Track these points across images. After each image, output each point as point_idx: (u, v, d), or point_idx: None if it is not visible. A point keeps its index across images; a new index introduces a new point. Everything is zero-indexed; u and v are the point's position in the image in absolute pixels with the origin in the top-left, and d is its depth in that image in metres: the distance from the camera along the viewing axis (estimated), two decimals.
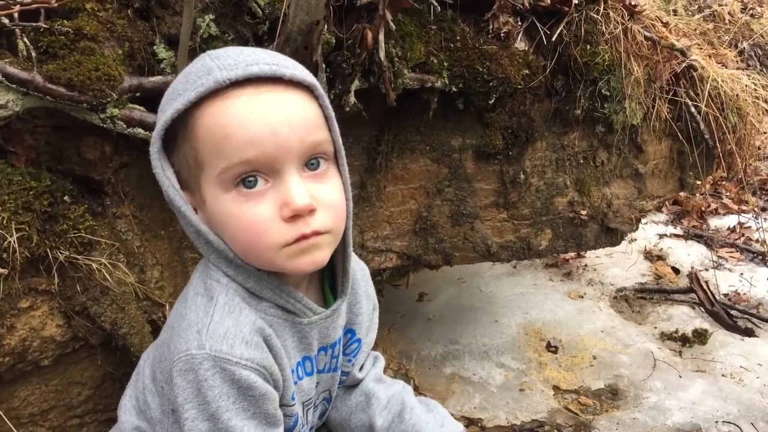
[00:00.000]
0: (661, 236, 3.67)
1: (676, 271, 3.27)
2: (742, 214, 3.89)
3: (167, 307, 1.37)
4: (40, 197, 1.17)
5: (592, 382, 2.33)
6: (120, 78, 1.19)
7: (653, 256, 3.44)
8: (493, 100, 1.73)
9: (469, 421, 2.09)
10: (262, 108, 0.87)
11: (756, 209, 3.78)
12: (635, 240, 3.52)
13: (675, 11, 2.44)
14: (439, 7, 1.63)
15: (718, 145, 2.23)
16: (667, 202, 3.13)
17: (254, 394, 0.93)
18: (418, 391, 2.22)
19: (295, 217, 0.89)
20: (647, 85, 2.01)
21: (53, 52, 1.16)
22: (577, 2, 1.79)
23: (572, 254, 3.25)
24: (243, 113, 0.86)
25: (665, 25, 2.07)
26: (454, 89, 1.66)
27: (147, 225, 1.39)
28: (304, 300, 1.01)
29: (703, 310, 2.79)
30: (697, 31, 2.43)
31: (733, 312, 2.77)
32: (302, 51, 1.26)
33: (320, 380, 1.14)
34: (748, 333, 2.63)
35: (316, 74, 1.25)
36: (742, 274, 3.24)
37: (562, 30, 1.80)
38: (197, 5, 1.28)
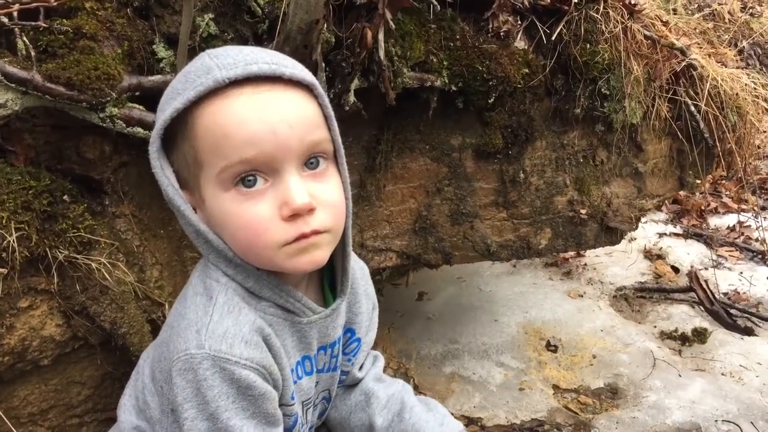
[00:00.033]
0: (661, 235, 3.67)
1: (676, 270, 3.27)
2: (742, 213, 3.89)
3: (167, 307, 1.37)
4: (39, 196, 1.17)
5: (591, 381, 2.33)
6: (119, 77, 1.19)
7: (653, 255, 3.44)
8: (492, 99, 1.73)
9: (468, 420, 2.10)
10: (262, 107, 0.87)
11: (755, 208, 3.78)
12: (635, 239, 3.52)
13: (675, 10, 2.43)
14: (438, 6, 1.63)
15: (717, 144, 2.23)
16: (666, 201, 3.13)
17: (253, 393, 0.93)
18: (417, 390, 2.22)
19: (295, 216, 0.88)
20: (647, 84, 2.01)
21: (52, 51, 1.16)
22: (576, 1, 1.79)
23: (572, 253, 3.25)
24: (242, 112, 0.86)
25: (665, 24, 2.07)
26: (454, 88, 1.66)
27: (146, 224, 1.39)
28: (303, 299, 1.01)
29: (702, 309, 2.79)
30: (697, 30, 2.43)
31: (732, 311, 2.77)
32: (302, 50, 1.26)
33: (320, 380, 1.14)
34: (748, 332, 2.63)
35: (315, 73, 1.25)
36: (741, 273, 3.24)
37: (561, 29, 1.80)
38: (197, 4, 1.27)
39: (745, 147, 2.31)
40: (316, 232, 0.90)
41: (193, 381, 0.89)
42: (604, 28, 1.87)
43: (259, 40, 1.36)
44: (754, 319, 2.76)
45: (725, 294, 3.02)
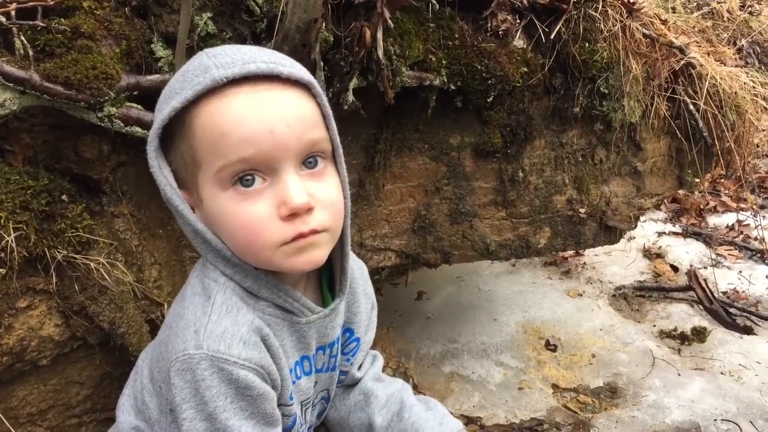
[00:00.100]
0: (660, 234, 3.67)
1: (675, 269, 3.27)
2: (741, 212, 3.89)
3: (165, 306, 1.37)
4: (37, 196, 1.17)
5: (591, 381, 2.33)
6: (117, 76, 1.19)
7: (652, 254, 3.44)
8: (491, 98, 1.73)
9: (468, 420, 2.10)
10: (260, 106, 0.87)
11: (754, 207, 3.78)
12: (634, 238, 3.52)
13: (673, 8, 2.43)
14: (437, 5, 1.63)
15: (716, 142, 2.23)
16: (665, 200, 3.13)
17: (252, 393, 0.92)
18: (417, 389, 2.22)
19: (293, 215, 0.88)
20: (646, 83, 2.01)
21: (50, 51, 1.15)
22: (575, 0, 1.79)
23: (571, 252, 3.25)
24: (240, 111, 0.86)
25: (664, 22, 2.07)
26: (453, 87, 1.66)
27: (145, 224, 1.38)
28: (302, 299, 1.01)
29: (701, 308, 2.79)
30: (696, 29, 2.43)
31: (731, 310, 2.77)
32: (300, 49, 1.26)
33: (318, 380, 1.14)
34: (747, 331, 2.63)
35: (314, 72, 1.25)
36: (740, 271, 3.24)
37: (560, 28, 1.80)
38: (195, 3, 1.27)
39: (744, 146, 2.31)
40: (314, 232, 0.90)
41: (191, 381, 0.89)
42: (602, 27, 1.87)
43: (258, 39, 1.36)
44: (754, 317, 2.76)
45: (724, 293, 3.02)
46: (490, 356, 2.46)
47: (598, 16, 1.86)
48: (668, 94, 2.09)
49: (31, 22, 1.14)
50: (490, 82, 1.69)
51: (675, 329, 2.63)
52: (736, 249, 3.50)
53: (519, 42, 1.78)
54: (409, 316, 2.71)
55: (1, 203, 1.12)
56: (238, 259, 0.94)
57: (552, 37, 1.79)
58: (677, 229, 3.76)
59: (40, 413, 1.32)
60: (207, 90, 0.86)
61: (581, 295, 2.97)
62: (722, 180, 4.31)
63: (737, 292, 3.04)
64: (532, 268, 3.26)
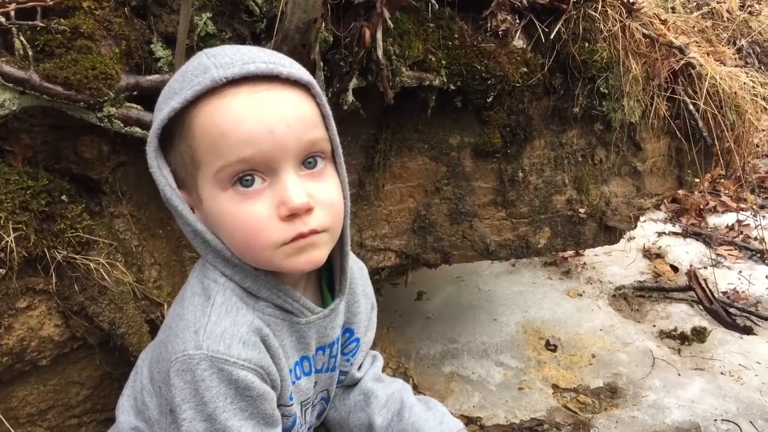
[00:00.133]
0: (660, 234, 3.67)
1: (675, 269, 3.27)
2: (741, 212, 3.89)
3: (165, 307, 1.37)
4: (37, 196, 1.17)
5: (591, 381, 2.33)
6: (117, 77, 1.19)
7: (652, 254, 3.44)
8: (491, 99, 1.73)
9: (468, 420, 2.09)
10: (259, 106, 0.87)
11: (754, 207, 3.78)
12: (634, 238, 3.52)
13: (673, 8, 2.43)
14: (437, 5, 1.63)
15: (716, 142, 2.23)
16: (665, 200, 3.12)
17: (252, 394, 0.92)
18: (417, 389, 2.22)
19: (293, 216, 0.88)
20: (645, 83, 2.01)
21: (50, 51, 1.15)
22: (575, 0, 1.79)
23: (571, 252, 3.25)
24: (239, 111, 0.86)
25: (663, 22, 2.07)
26: (452, 87, 1.66)
27: (145, 224, 1.38)
28: (301, 299, 1.01)
29: (701, 308, 2.79)
30: (696, 29, 2.43)
31: (731, 310, 2.77)
32: (300, 49, 1.26)
33: (318, 380, 1.13)
34: (747, 331, 2.63)
35: (313, 72, 1.25)
36: (740, 271, 3.24)
37: (560, 28, 1.80)
38: (194, 3, 1.27)
39: (744, 146, 2.31)
40: (314, 232, 0.90)
41: (191, 382, 0.89)
42: (602, 27, 1.87)
43: (257, 40, 1.36)
44: (753, 318, 2.76)
45: (724, 293, 3.02)
46: (490, 356, 2.46)
47: (597, 16, 1.86)
48: (668, 94, 2.09)
49: (30, 23, 1.13)
50: (489, 82, 1.69)
51: (675, 329, 2.63)
52: (736, 249, 3.50)
53: (519, 42, 1.78)
54: (409, 317, 2.71)
55: (0, 203, 1.12)
56: (238, 260, 0.94)
57: (552, 37, 1.79)
58: (677, 229, 3.76)
59: (40, 413, 1.32)
60: (206, 90, 0.86)
61: (581, 295, 2.97)
62: (722, 180, 4.31)
63: (737, 292, 3.04)
64: (532, 268, 3.26)
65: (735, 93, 2.19)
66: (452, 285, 3.00)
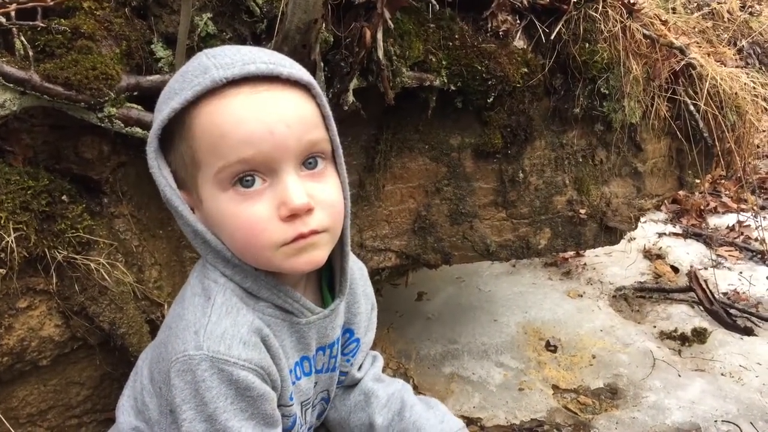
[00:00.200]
0: (661, 235, 3.67)
1: (675, 269, 3.27)
2: (741, 213, 3.89)
3: (166, 307, 1.37)
4: (38, 197, 1.17)
5: (591, 382, 2.33)
6: (117, 77, 1.19)
7: (652, 255, 3.44)
8: (491, 99, 1.73)
9: (468, 421, 2.09)
10: (259, 107, 0.87)
11: (755, 208, 3.78)
12: (634, 239, 3.51)
13: (674, 9, 2.43)
14: (437, 6, 1.63)
15: (717, 143, 2.22)
16: (666, 201, 3.13)
17: (252, 394, 0.92)
18: (417, 390, 2.22)
19: (293, 216, 0.88)
20: (646, 84, 2.01)
21: (50, 51, 1.15)
22: (575, 0, 1.79)
23: (571, 253, 3.25)
24: (240, 112, 0.86)
25: (664, 23, 2.07)
26: (453, 88, 1.66)
27: (145, 224, 1.38)
28: (302, 300, 1.01)
29: (702, 309, 2.79)
30: (696, 29, 2.43)
31: (732, 311, 2.77)
32: (300, 50, 1.26)
33: (318, 380, 1.13)
34: (748, 332, 2.63)
35: (314, 73, 1.25)
36: (741, 272, 3.24)
37: (560, 28, 1.80)
38: (195, 3, 1.27)
39: (745, 146, 2.31)
40: (314, 232, 0.90)
41: (191, 382, 0.89)
42: (603, 28, 1.87)
43: (258, 40, 1.36)
44: (754, 319, 2.76)
45: (725, 294, 3.02)
46: (490, 357, 2.46)
47: (598, 16, 1.85)
48: (668, 95, 2.09)
49: (31, 23, 1.14)
50: (490, 82, 1.69)
51: (675, 330, 2.63)
52: (736, 250, 3.50)
53: (519, 42, 1.78)
54: (409, 317, 2.71)
55: (1, 203, 1.12)
56: (238, 260, 0.94)
57: (552, 37, 1.79)
58: (678, 230, 3.75)
59: (40, 414, 1.32)
60: (206, 91, 0.86)
61: (581, 296, 2.97)
62: (723, 181, 4.31)
63: (738, 293, 3.04)
64: (532, 268, 3.26)
65: (736, 94, 2.19)
66: (452, 286, 3.00)
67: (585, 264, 3.29)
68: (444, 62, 1.62)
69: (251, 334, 0.94)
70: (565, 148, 1.98)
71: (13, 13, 1.13)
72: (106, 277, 1.24)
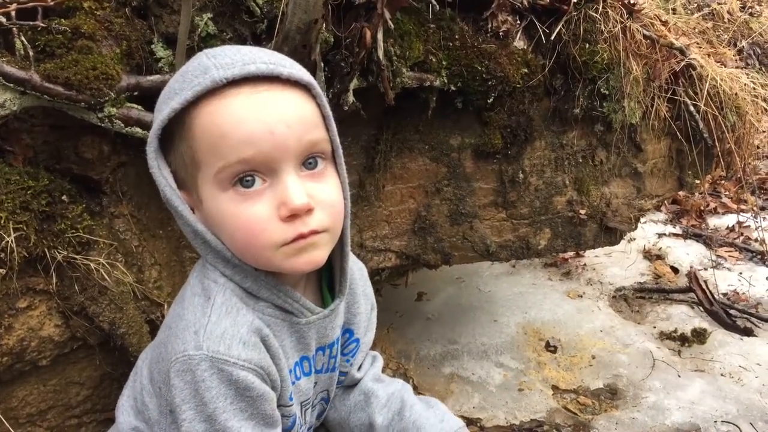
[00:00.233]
0: (660, 235, 3.67)
1: (675, 270, 3.27)
2: (741, 214, 3.89)
3: (165, 307, 1.37)
4: (38, 197, 1.17)
5: (591, 382, 2.33)
6: (118, 77, 1.19)
7: (652, 256, 3.44)
8: (491, 99, 1.73)
9: (468, 421, 2.09)
10: (259, 107, 0.87)
11: (755, 208, 3.78)
12: (634, 239, 3.52)
13: (674, 10, 2.43)
14: (437, 6, 1.63)
15: (717, 144, 2.23)
16: (666, 202, 3.13)
17: (252, 394, 0.92)
18: (417, 390, 2.22)
19: (293, 216, 0.88)
20: (646, 84, 2.01)
21: (51, 51, 1.15)
22: (575, 1, 1.79)
23: (571, 253, 3.25)
24: (240, 112, 0.86)
25: (664, 23, 2.07)
26: (453, 88, 1.66)
27: (145, 224, 1.38)
28: (301, 300, 1.01)
29: (702, 309, 2.79)
30: (696, 30, 2.43)
31: (732, 311, 2.77)
32: (300, 50, 1.26)
33: (318, 380, 1.13)
34: (747, 332, 2.63)
35: (314, 73, 1.25)
36: (741, 273, 3.24)
37: (560, 29, 1.80)
38: (195, 4, 1.27)
39: (745, 147, 2.31)
40: (314, 232, 0.90)
41: (191, 382, 0.89)
42: (603, 28, 1.87)
43: (258, 40, 1.36)
44: (754, 319, 2.76)
45: (724, 294, 3.02)
46: (490, 357, 2.46)
47: (598, 17, 1.86)
48: (668, 96, 2.09)
49: (31, 23, 1.14)
50: (490, 83, 1.69)
51: (675, 331, 2.63)
52: (736, 250, 3.50)
53: (519, 43, 1.78)
54: (409, 317, 2.71)
55: (1, 203, 1.12)
56: (238, 260, 0.94)
57: (552, 38, 1.79)
58: (677, 230, 3.75)
59: (39, 414, 1.32)
60: (206, 91, 0.86)
61: (581, 297, 2.97)
62: (722, 181, 4.31)
63: (737, 293, 3.04)
64: (532, 269, 3.26)
65: (736, 94, 2.19)
66: (452, 286, 3.00)
67: (585, 264, 3.29)
68: (444, 62, 1.63)
69: (251, 334, 0.94)
70: (565, 148, 1.98)
71: (13, 13, 1.13)
72: (106, 277, 1.24)
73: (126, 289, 1.29)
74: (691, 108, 2.14)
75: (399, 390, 1.25)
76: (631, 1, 1.92)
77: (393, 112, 1.67)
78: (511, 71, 1.71)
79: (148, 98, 1.20)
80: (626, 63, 1.91)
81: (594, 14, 1.85)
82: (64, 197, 1.21)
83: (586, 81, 1.89)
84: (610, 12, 1.87)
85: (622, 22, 1.89)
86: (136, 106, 1.23)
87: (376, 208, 1.78)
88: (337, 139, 0.96)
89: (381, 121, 1.71)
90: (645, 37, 1.97)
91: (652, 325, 2.76)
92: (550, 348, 2.54)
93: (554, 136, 1.96)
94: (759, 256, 3.40)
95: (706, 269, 3.21)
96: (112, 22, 1.23)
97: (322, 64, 1.38)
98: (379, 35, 1.42)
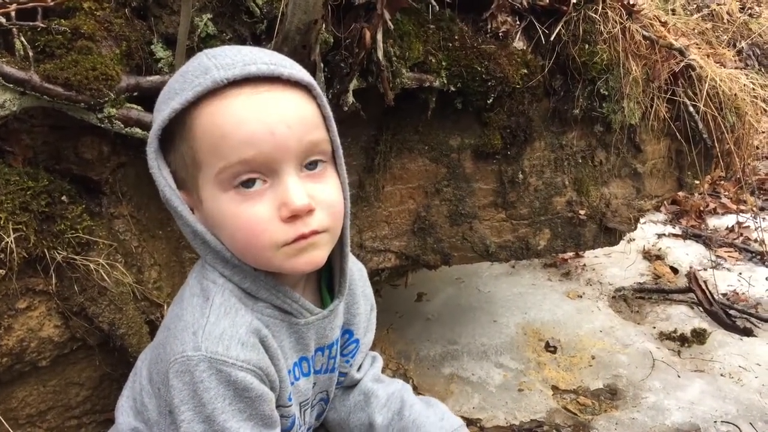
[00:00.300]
0: (660, 236, 3.67)
1: (675, 270, 3.27)
2: (741, 214, 3.89)
3: (165, 308, 1.37)
4: (37, 197, 1.17)
5: (590, 382, 2.33)
6: (117, 77, 1.19)
7: (652, 256, 3.44)
8: (491, 100, 1.73)
9: (468, 422, 2.09)
10: (260, 107, 0.87)
11: (754, 209, 3.78)
12: (634, 240, 3.52)
13: (673, 10, 2.44)
14: (437, 7, 1.63)
15: (716, 144, 2.23)
16: (665, 202, 3.13)
17: (250, 395, 0.92)
18: (417, 391, 2.21)
19: (294, 217, 0.88)
20: (645, 85, 2.01)
21: (50, 52, 1.15)
22: (575, 1, 1.79)
23: (571, 254, 3.25)
24: (241, 113, 0.86)
25: (663, 24, 2.07)
26: (453, 89, 1.66)
27: (145, 225, 1.38)
28: (300, 300, 1.01)
29: (701, 309, 2.79)
30: (696, 31, 2.44)
31: (731, 312, 2.77)
32: (300, 50, 1.26)
33: (317, 381, 1.13)
34: (747, 333, 2.63)
35: (314, 74, 1.25)
36: (740, 273, 3.24)
37: (560, 29, 1.80)
38: (195, 4, 1.27)
39: (744, 147, 2.31)
40: (315, 233, 0.90)
41: (189, 383, 0.89)
42: (602, 29, 1.87)
43: (258, 41, 1.36)
44: (753, 319, 2.76)
45: (724, 295, 3.02)
46: (489, 358, 2.45)
47: (597, 17, 1.86)
48: (668, 96, 2.09)
49: (31, 23, 1.14)
50: (490, 83, 1.69)
51: (675, 331, 2.63)
52: (735, 251, 3.50)
53: (519, 43, 1.78)
54: (408, 318, 2.71)
55: (1, 204, 1.12)
56: (238, 260, 0.94)
57: (552, 38, 1.79)
58: (677, 230, 3.76)
59: (39, 414, 1.32)
60: (207, 91, 0.86)
61: (581, 297, 2.97)
62: (722, 182, 4.31)
63: (737, 293, 3.04)
64: (531, 269, 3.26)
65: (735, 95, 2.19)
66: (452, 286, 3.00)
67: (584, 265, 3.29)
68: (444, 63, 1.63)
69: (249, 334, 0.94)
70: (564, 149, 1.99)
71: (13, 14, 1.13)
72: (106, 277, 1.24)
73: (126, 290, 1.29)
74: (691, 108, 2.14)
75: (399, 390, 1.25)
76: (631, 2, 1.93)
77: (393, 113, 1.67)
78: (510, 72, 1.71)
79: (148, 99, 1.20)
80: (626, 64, 1.91)
81: (593, 15, 1.85)
82: (63, 198, 1.21)
83: (585, 82, 1.89)
84: (609, 13, 1.87)
85: (621, 23, 1.89)
86: (135, 106, 1.23)
87: (376, 208, 1.78)
88: (338, 140, 0.96)
89: (381, 122, 1.71)
90: (644, 37, 1.97)
91: (651, 325, 2.76)
92: (550, 348, 2.54)
93: (554, 136, 1.96)
94: (758, 257, 3.40)
95: (705, 269, 3.21)
96: (112, 22, 1.23)
97: (322, 65, 1.38)
98: (379, 36, 1.42)
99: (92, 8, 1.21)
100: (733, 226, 3.80)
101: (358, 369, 1.26)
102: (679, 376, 2.34)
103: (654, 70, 2.02)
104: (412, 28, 1.57)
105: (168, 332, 0.96)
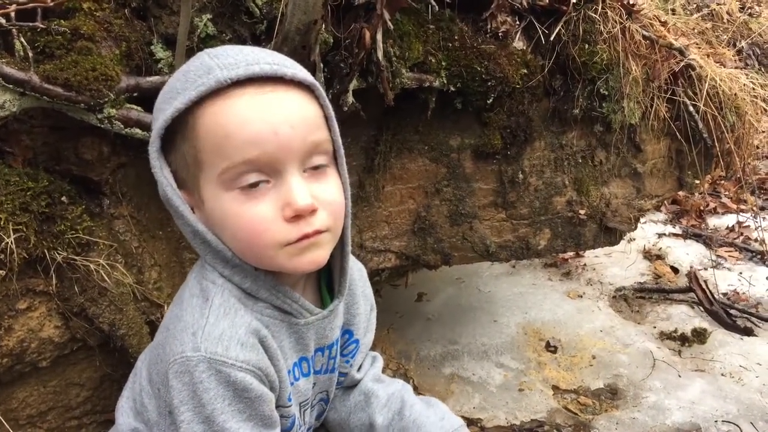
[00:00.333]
0: (660, 236, 3.67)
1: (675, 270, 3.27)
2: (741, 214, 3.89)
3: (165, 308, 1.37)
4: (37, 198, 1.17)
5: (591, 382, 2.33)
6: (117, 78, 1.19)
7: (652, 256, 3.44)
8: (491, 100, 1.73)
9: (468, 422, 2.09)
10: (264, 108, 0.87)
11: (755, 208, 3.78)
12: (634, 239, 3.52)
13: (673, 10, 2.44)
14: (437, 7, 1.63)
15: (716, 144, 2.23)
16: (665, 202, 3.13)
17: (250, 396, 0.92)
18: (417, 391, 2.21)
19: (297, 217, 0.88)
20: (645, 85, 2.01)
21: (50, 52, 1.15)
22: (575, 1, 1.79)
23: (571, 254, 3.25)
24: (245, 113, 0.86)
25: (663, 24, 2.07)
26: (453, 89, 1.66)
27: (145, 225, 1.38)
28: (300, 300, 1.01)
29: (702, 309, 2.79)
30: (696, 30, 2.44)
31: (732, 311, 2.77)
32: (300, 50, 1.26)
33: (317, 381, 1.13)
34: (747, 332, 2.63)
35: (314, 74, 1.24)
36: (741, 273, 3.24)
37: (560, 29, 1.80)
38: (194, 5, 1.27)
39: (744, 147, 2.31)
40: (318, 232, 0.91)
41: (189, 384, 0.89)
42: (602, 29, 1.87)
43: (257, 41, 1.36)
44: (754, 319, 2.76)
45: (725, 294, 3.02)
46: (490, 358, 2.45)
47: (597, 17, 1.86)
48: (668, 96, 2.09)
49: (30, 24, 1.14)
50: (489, 83, 1.69)
51: (675, 331, 2.63)
52: (736, 250, 3.50)
53: (519, 43, 1.78)
54: (409, 318, 2.71)
55: (1, 204, 1.12)
56: (238, 260, 0.94)
57: (552, 38, 1.79)
58: (677, 230, 3.75)
59: (39, 415, 1.32)
60: (211, 91, 0.86)
61: (581, 297, 2.97)
62: (722, 181, 4.31)
63: (737, 293, 3.04)
64: (532, 269, 3.26)
65: (735, 94, 2.19)
66: (452, 286, 3.00)
67: (585, 265, 3.29)
68: (443, 63, 1.63)
69: (249, 335, 0.94)
70: (564, 148, 1.99)
71: (13, 14, 1.12)
72: (106, 278, 1.24)
73: (126, 290, 1.29)
74: (691, 108, 2.14)
75: (399, 390, 1.25)
76: (631, 2, 1.93)
77: (392, 113, 1.67)
78: (510, 72, 1.71)
79: (148, 99, 1.20)
80: (625, 63, 1.91)
81: (593, 15, 1.85)
82: (63, 198, 1.21)
83: (585, 81, 1.89)
84: (609, 12, 1.87)
85: (621, 23, 1.89)
86: (135, 107, 1.23)
87: (376, 208, 1.78)
88: (339, 140, 0.97)
89: (380, 122, 1.71)
90: (644, 37, 1.97)
91: (652, 325, 2.76)
92: (551, 348, 2.54)
93: (554, 136, 1.96)
94: (759, 256, 3.40)
95: (706, 269, 3.21)
96: (112, 23, 1.23)
97: (322, 65, 1.38)
98: (379, 36, 1.42)
99: (92, 9, 1.21)
100: (733, 225, 3.80)
101: (359, 369, 1.26)
102: (679, 376, 2.34)
103: (654, 70, 2.02)
104: (412, 28, 1.57)
105: (167, 333, 0.96)
